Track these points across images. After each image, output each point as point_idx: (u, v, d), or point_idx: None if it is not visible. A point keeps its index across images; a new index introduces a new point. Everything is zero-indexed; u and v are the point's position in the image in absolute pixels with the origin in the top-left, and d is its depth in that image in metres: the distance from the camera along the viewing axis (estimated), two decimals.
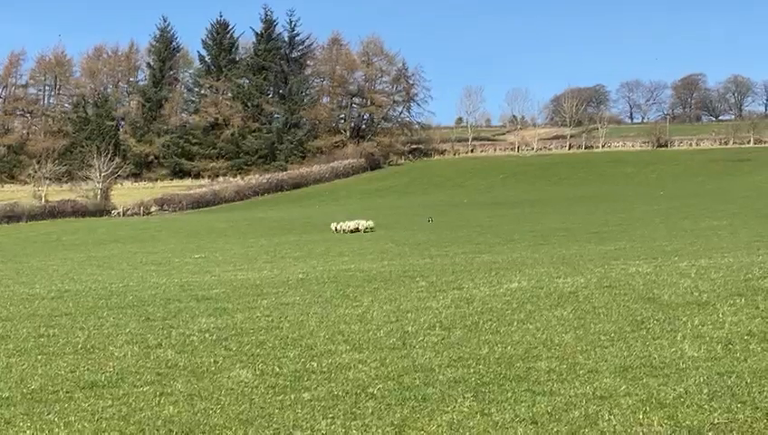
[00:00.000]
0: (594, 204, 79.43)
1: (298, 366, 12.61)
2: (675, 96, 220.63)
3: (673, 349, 12.47)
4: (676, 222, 52.45)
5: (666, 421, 9.20)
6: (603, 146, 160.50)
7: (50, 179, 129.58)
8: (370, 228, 56.12)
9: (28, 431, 9.91)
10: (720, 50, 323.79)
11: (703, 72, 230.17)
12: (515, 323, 15.13)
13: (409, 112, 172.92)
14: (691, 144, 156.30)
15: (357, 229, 55.89)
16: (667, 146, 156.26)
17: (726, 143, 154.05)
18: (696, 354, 12.08)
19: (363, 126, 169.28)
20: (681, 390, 10.35)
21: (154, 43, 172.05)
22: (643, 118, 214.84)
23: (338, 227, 56.64)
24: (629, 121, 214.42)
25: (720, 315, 14.76)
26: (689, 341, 12.93)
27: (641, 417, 9.39)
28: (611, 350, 12.61)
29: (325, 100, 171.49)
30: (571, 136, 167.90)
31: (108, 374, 12.53)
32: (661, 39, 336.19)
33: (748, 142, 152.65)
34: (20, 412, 10.70)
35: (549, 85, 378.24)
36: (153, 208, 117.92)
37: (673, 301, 16.47)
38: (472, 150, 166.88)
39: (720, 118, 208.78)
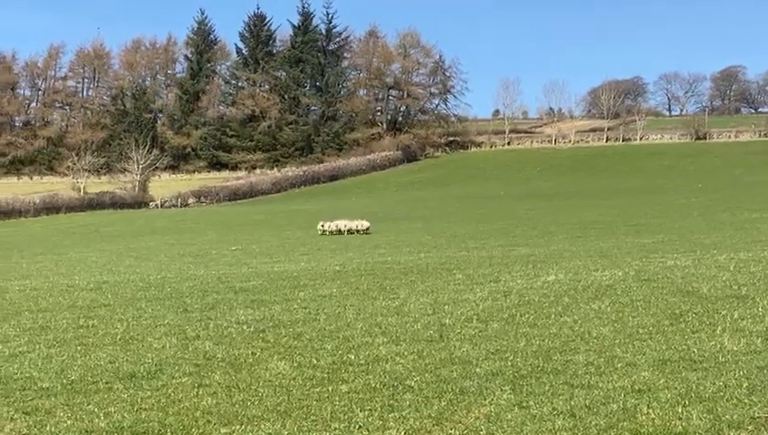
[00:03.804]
0: (632, 196, 78.93)
1: (335, 358, 12.64)
2: (714, 88, 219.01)
3: (712, 342, 12.39)
4: (714, 215, 52.02)
5: (705, 415, 9.14)
6: (641, 138, 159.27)
7: (88, 171, 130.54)
8: (364, 230, 49.07)
9: (68, 421, 10.00)
10: (760, 41, 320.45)
11: (743, 64, 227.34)
12: (553, 316, 15.09)
13: (446, 105, 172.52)
14: (730, 136, 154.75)
15: (341, 231, 48.78)
16: (705, 138, 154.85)
17: (766, 135, 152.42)
18: (735, 348, 11.99)
19: (400, 118, 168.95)
20: (720, 383, 10.28)
21: (192, 35, 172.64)
22: (682, 110, 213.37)
23: (325, 228, 49.47)
24: (668, 114, 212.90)
25: (760, 309, 14.65)
26: (728, 334, 12.84)
27: (680, 411, 9.33)
28: (650, 343, 12.55)
29: (362, 92, 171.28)
30: (609, 128, 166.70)
31: (147, 365, 12.63)
32: (701, 30, 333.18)
33: None
34: (60, 403, 10.81)
35: (586, 77, 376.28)
36: (190, 200, 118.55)
37: (712, 294, 16.36)
38: (509, 143, 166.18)
39: (760, 110, 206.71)
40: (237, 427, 9.58)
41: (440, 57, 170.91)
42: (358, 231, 48.79)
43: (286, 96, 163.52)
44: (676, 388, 10.21)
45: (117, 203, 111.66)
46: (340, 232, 48.72)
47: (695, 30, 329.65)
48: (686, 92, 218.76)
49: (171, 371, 12.28)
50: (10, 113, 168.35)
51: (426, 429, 9.28)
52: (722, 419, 9.01)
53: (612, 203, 71.08)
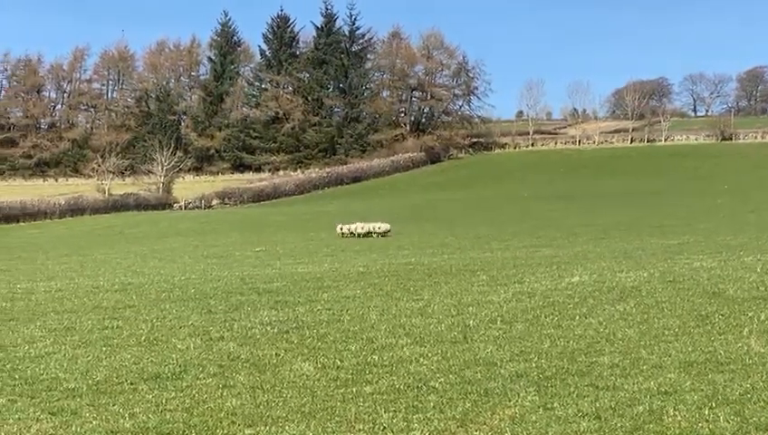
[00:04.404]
0: (657, 197, 78.58)
1: (359, 359, 12.63)
2: (740, 89, 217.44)
3: (739, 344, 12.31)
4: (740, 216, 51.72)
5: (732, 418, 9.08)
6: (666, 139, 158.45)
7: (113, 173, 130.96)
8: (383, 233, 48.30)
9: (94, 422, 10.04)
10: None
11: None
12: (577, 318, 15.03)
13: (470, 106, 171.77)
14: (756, 137, 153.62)
15: (359, 234, 48.17)
16: (731, 139, 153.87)
17: None
18: (762, 350, 11.91)
19: (423, 120, 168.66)
20: (748, 386, 10.21)
21: (215, 37, 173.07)
22: (707, 111, 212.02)
23: (344, 230, 48.98)
24: (693, 115, 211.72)
25: None
26: (756, 336, 12.75)
27: (707, 413, 9.27)
28: (676, 345, 12.48)
29: (385, 93, 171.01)
30: (634, 129, 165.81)
31: (171, 366, 12.66)
32: (725, 30, 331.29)
33: None
34: (86, 403, 10.85)
35: (610, 78, 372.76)
36: (214, 202, 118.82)
37: (738, 296, 16.26)
38: (532, 144, 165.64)
39: None
40: (262, 428, 9.59)
41: (464, 58, 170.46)
42: (376, 234, 48.49)
43: (310, 98, 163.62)
44: (702, 390, 10.14)
45: (141, 205, 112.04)
46: (359, 235, 48.34)
47: (720, 30, 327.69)
48: (712, 93, 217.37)
49: (196, 372, 12.31)
50: (36, 116, 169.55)
51: (450, 430, 9.26)
52: (749, 421, 8.94)
53: (636, 204, 70.75)
